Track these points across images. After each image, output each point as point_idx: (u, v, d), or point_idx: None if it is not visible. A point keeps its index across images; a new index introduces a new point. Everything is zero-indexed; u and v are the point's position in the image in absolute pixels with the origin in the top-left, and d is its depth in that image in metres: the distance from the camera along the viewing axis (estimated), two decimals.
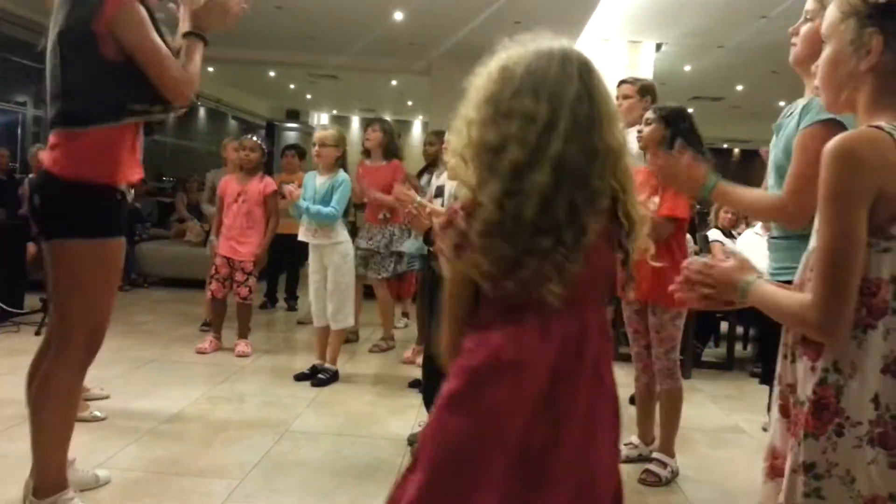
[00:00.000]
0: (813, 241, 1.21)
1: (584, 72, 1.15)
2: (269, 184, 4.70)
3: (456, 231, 1.16)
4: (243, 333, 4.62)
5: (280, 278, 6.43)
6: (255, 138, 4.76)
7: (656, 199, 2.79)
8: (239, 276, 4.58)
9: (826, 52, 1.24)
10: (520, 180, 1.11)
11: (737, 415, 3.74)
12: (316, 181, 4.05)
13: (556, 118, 1.11)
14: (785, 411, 1.27)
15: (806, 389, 1.18)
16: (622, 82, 3.91)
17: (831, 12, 1.23)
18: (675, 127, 2.78)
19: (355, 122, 15.07)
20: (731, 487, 2.70)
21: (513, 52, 1.17)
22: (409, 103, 12.97)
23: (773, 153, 1.83)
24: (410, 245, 4.45)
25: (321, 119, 15.11)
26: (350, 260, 4.12)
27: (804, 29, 1.76)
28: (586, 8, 6.22)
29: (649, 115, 2.89)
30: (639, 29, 7.17)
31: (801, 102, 1.78)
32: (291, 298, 6.34)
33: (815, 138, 1.60)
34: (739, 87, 9.96)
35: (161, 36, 2.08)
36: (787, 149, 1.73)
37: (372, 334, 5.17)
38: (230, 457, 2.89)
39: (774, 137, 1.85)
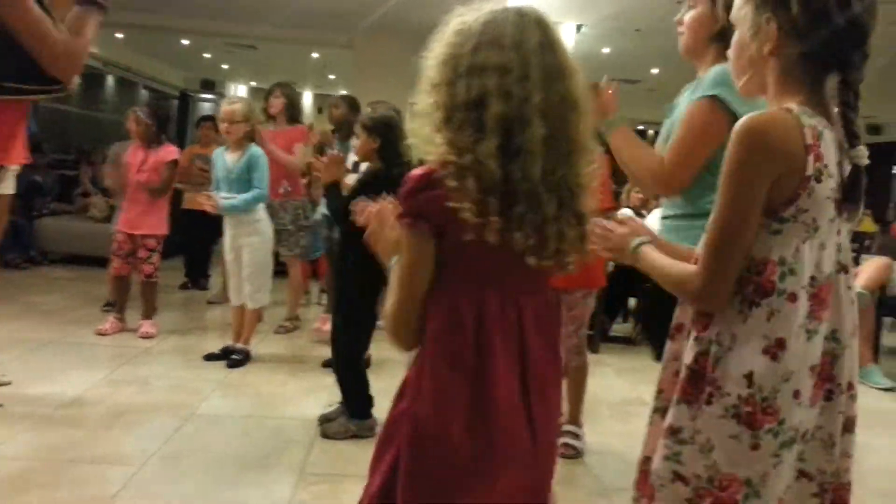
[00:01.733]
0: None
1: (542, 24, 1.13)
2: (170, 153, 4.50)
3: (434, 194, 1.09)
4: (148, 314, 4.44)
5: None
6: (138, 110, 4.51)
7: None
8: (142, 253, 4.38)
9: (734, 37, 1.25)
10: (513, 135, 1.09)
11: (642, 387, 3.85)
12: (226, 158, 3.90)
13: (527, 67, 1.09)
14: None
15: (686, 358, 1.20)
16: None
17: None
18: None
19: None
20: (633, 459, 2.77)
21: (466, 15, 1.15)
22: (332, 77, 12.68)
23: (663, 131, 1.84)
24: (317, 215, 4.37)
25: (238, 90, 14.60)
26: (268, 238, 4.02)
27: (688, 17, 1.77)
28: None
29: None
30: (560, 10, 7.21)
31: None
32: (202, 277, 6.14)
33: (701, 111, 1.64)
34: (655, 71, 10.20)
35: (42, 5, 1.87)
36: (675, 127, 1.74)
37: (278, 314, 4.94)
38: (130, 443, 2.78)
39: (666, 119, 1.86)
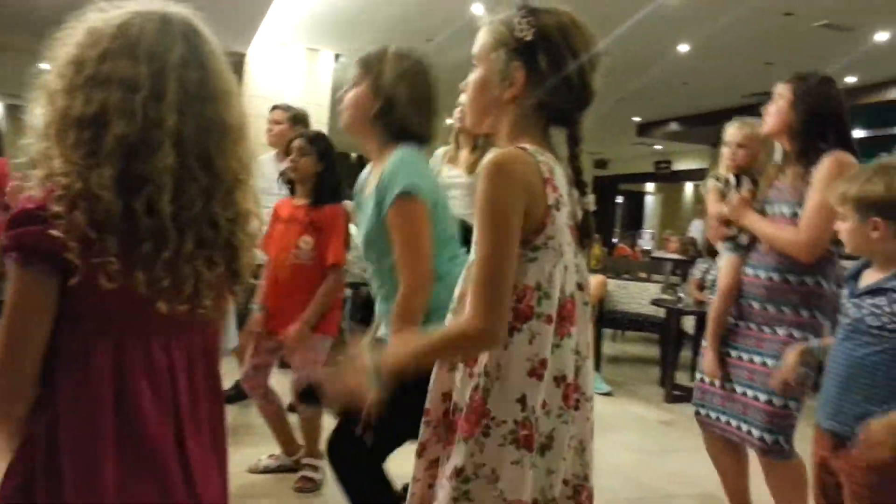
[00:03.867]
0: (473, 254, 1.25)
1: (190, 34, 1.01)
2: None
3: (43, 227, 0.91)
4: None
5: None
6: None
7: (308, 239, 2.75)
8: None
9: (474, 75, 1.29)
10: (137, 162, 0.95)
11: None
12: None
13: (163, 85, 0.97)
14: (439, 422, 1.28)
15: (465, 396, 1.21)
16: (275, 108, 3.89)
17: (483, 37, 1.27)
18: (326, 162, 2.80)
19: None
20: None
21: (105, 13, 1.01)
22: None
23: (360, 236, 1.86)
24: None
25: None
26: None
27: (350, 95, 1.80)
28: (260, 6, 6.07)
29: (300, 143, 2.81)
30: (317, 37, 7.25)
31: (368, 180, 1.84)
32: None
33: (403, 211, 1.68)
34: None
35: None
36: (373, 234, 1.76)
37: None
38: None
39: (358, 212, 1.89)
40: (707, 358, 2.45)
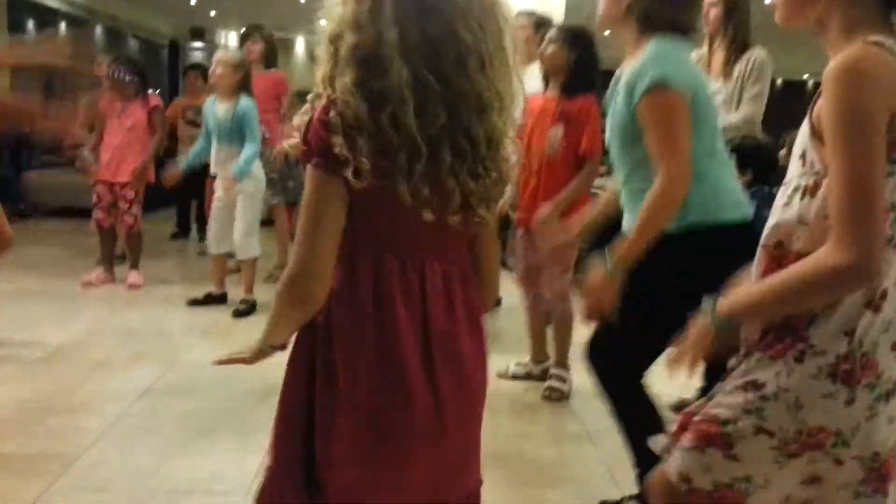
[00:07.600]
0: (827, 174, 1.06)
1: None
2: (153, 99, 4.45)
3: (322, 135, 1.02)
4: (134, 264, 4.35)
5: (192, 206, 6.07)
6: (115, 68, 4.27)
7: (559, 130, 2.69)
8: (122, 205, 4.26)
9: None
10: (373, 76, 0.99)
11: None
12: (217, 109, 3.78)
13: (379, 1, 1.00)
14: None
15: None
16: (517, 15, 3.77)
17: None
18: (579, 50, 2.68)
19: None
20: None
21: None
22: (324, 22, 12.35)
23: (609, 128, 1.82)
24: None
25: (228, 38, 14.26)
26: (262, 185, 3.94)
27: None
28: None
29: (551, 34, 2.76)
30: None
31: (623, 73, 1.75)
32: (201, 229, 6.01)
33: (658, 103, 1.63)
34: None
35: None
36: (622, 124, 1.73)
37: (267, 263, 4.64)
38: (109, 392, 2.72)
39: (609, 106, 1.83)
40: None
